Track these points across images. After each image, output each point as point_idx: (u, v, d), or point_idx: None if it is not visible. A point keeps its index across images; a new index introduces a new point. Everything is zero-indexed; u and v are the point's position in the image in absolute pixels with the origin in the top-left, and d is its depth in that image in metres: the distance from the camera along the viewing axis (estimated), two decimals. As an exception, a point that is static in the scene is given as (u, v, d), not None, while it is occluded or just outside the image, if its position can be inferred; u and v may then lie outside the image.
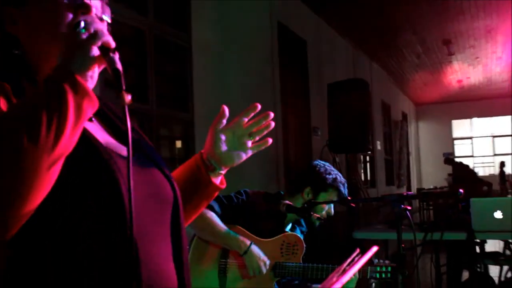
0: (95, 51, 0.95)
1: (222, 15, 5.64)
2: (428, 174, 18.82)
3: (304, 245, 2.81)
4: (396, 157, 14.49)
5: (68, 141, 0.89)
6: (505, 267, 4.92)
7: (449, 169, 13.49)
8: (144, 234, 1.04)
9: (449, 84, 15.16)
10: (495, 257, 4.73)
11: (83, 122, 0.93)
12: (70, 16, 1.07)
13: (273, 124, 1.31)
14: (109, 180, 1.00)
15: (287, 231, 2.86)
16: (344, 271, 1.19)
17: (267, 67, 6.70)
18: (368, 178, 11.48)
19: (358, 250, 1.27)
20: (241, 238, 2.62)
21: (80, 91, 0.91)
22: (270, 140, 1.33)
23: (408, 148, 16.47)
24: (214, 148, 1.31)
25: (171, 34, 4.84)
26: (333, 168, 3.00)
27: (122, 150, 1.14)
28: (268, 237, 2.76)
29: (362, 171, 10.76)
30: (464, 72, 13.61)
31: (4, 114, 0.92)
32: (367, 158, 11.35)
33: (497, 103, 17.45)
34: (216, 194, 1.39)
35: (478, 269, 4.99)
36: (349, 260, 1.23)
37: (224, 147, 1.32)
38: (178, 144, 5.08)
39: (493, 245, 5.94)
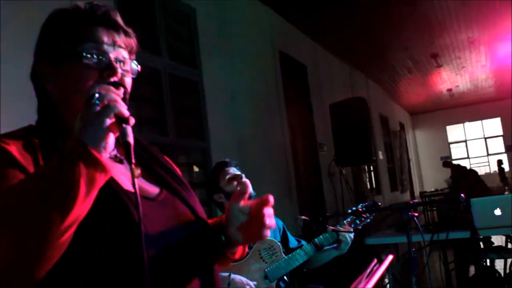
0: (108, 123, 0.92)
1: (228, 50, 5.69)
2: (428, 178, 18.72)
3: (278, 242, 2.76)
4: (397, 164, 14.44)
5: (80, 210, 0.88)
6: (509, 260, 4.87)
7: (447, 171, 13.49)
8: (166, 274, 1.03)
9: (440, 93, 15.14)
10: (498, 251, 4.68)
11: (95, 191, 0.91)
12: (94, 78, 1.09)
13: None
14: (127, 222, 0.99)
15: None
16: (366, 280, 1.20)
17: (273, 93, 6.73)
18: (374, 186, 11.44)
19: (375, 261, 1.27)
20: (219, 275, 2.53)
21: (92, 163, 0.89)
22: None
23: (408, 155, 16.40)
24: (229, 226, 1.20)
25: (184, 71, 4.89)
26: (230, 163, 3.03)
27: (151, 190, 1.15)
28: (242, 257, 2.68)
29: (367, 180, 10.73)
30: (452, 81, 13.61)
31: (22, 183, 0.91)
32: (371, 167, 11.31)
33: (485, 107, 17.43)
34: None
35: (484, 264, 4.95)
36: (368, 270, 1.23)
37: (235, 226, 1.20)
38: (196, 169, 5.10)
39: (496, 240, 5.88)
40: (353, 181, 7.41)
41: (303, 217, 2.72)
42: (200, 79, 5.05)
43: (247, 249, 1.31)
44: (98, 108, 0.93)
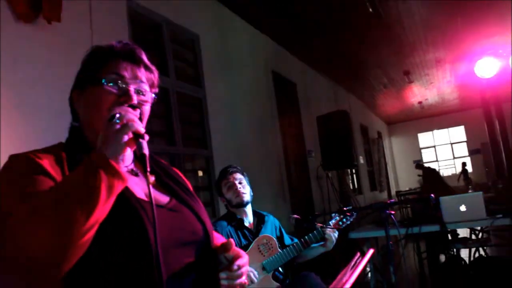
0: (126, 139, 0.95)
1: (228, 71, 5.71)
2: (403, 179, 18.70)
3: (274, 238, 2.78)
4: (376, 168, 14.43)
5: (100, 213, 0.89)
6: (473, 249, 4.87)
7: (419, 172, 13.53)
8: (171, 270, 1.01)
9: (412, 105, 15.18)
10: (464, 242, 4.68)
11: (114, 196, 0.93)
12: (111, 102, 1.11)
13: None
14: (139, 226, 0.98)
15: (259, 235, 2.80)
16: (351, 272, 1.19)
17: (267, 107, 6.74)
18: (356, 186, 11.42)
19: (358, 254, 1.27)
20: None
21: (112, 174, 0.91)
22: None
23: (385, 159, 16.41)
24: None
25: (190, 89, 4.90)
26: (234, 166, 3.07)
27: (161, 198, 1.14)
28: (245, 248, 2.69)
29: (350, 182, 10.72)
30: (422, 95, 13.64)
31: (53, 188, 0.92)
32: (353, 171, 11.29)
33: (451, 116, 17.48)
34: None
35: (452, 253, 4.94)
36: (352, 263, 1.23)
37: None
38: (200, 173, 5.08)
39: (461, 233, 5.88)
40: (338, 183, 7.40)
41: (295, 216, 2.72)
42: (203, 96, 5.05)
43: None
44: (118, 126, 0.96)
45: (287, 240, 2.96)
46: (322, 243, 2.82)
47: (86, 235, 0.87)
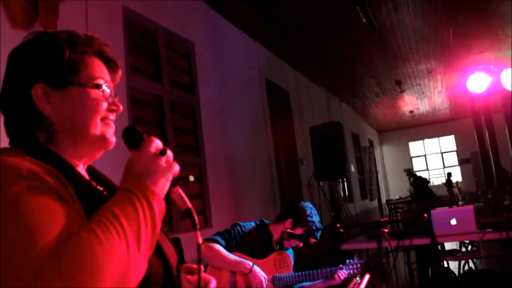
0: (171, 179, 0.89)
1: (221, 78, 5.72)
2: (393, 187, 18.80)
3: (292, 259, 2.90)
4: (367, 176, 14.51)
5: (150, 250, 0.82)
6: (463, 262, 4.91)
7: (409, 181, 13.64)
8: None
9: (403, 114, 15.31)
10: (454, 254, 4.72)
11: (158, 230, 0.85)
12: (105, 105, 1.00)
13: None
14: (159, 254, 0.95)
15: (277, 250, 2.92)
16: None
17: (260, 114, 6.76)
18: (347, 195, 11.46)
19: (354, 281, 1.29)
20: (244, 262, 2.69)
21: (162, 211, 0.84)
22: None
23: (376, 168, 16.50)
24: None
25: (183, 97, 4.90)
26: (315, 213, 3.01)
27: None
28: (260, 257, 2.82)
29: (341, 190, 10.77)
30: (414, 104, 13.76)
31: (101, 220, 0.76)
32: (344, 179, 11.34)
33: (442, 126, 17.64)
34: None
35: (441, 265, 4.98)
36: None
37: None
38: (192, 178, 5.04)
39: (452, 245, 5.93)
40: (329, 192, 7.44)
41: (289, 230, 2.77)
42: (197, 104, 5.06)
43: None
44: (165, 164, 0.89)
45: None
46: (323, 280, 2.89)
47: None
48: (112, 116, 1.03)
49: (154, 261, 0.91)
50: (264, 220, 3.05)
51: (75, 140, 0.97)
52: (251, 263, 2.68)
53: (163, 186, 0.87)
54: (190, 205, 0.91)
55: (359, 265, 2.91)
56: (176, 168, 0.90)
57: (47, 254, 0.70)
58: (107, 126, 1.02)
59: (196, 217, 0.91)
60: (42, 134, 0.96)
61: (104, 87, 1.01)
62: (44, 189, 0.79)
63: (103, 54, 1.06)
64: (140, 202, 0.80)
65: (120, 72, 1.11)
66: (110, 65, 1.07)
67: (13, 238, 0.71)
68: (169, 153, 0.91)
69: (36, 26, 2.98)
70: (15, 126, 0.99)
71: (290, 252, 3.01)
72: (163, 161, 0.89)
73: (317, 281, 2.87)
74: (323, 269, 2.83)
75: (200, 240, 0.91)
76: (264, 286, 2.66)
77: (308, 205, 2.99)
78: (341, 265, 2.88)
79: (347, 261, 2.95)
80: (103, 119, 1.01)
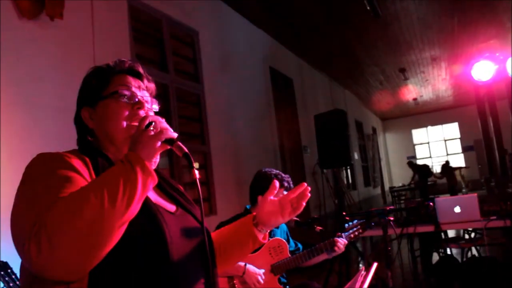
0: (159, 144, 1.05)
1: (226, 66, 5.72)
2: (396, 175, 18.79)
3: (286, 243, 2.80)
4: (370, 163, 14.51)
5: (135, 207, 0.97)
6: (465, 249, 4.93)
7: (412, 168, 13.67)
8: (181, 268, 1.10)
9: (406, 102, 15.25)
10: (457, 242, 4.74)
11: (147, 193, 1.01)
12: (127, 112, 1.20)
13: (309, 195, 1.32)
14: (156, 227, 1.07)
15: (270, 239, 2.79)
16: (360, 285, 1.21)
17: (264, 102, 6.76)
18: (350, 182, 11.48)
19: (363, 268, 1.30)
20: (236, 265, 2.55)
21: (146, 172, 1.00)
22: (304, 204, 1.33)
23: (379, 155, 16.50)
24: (268, 216, 1.34)
25: (188, 85, 4.91)
26: (272, 170, 2.95)
27: (169, 206, 1.23)
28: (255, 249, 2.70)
29: (344, 177, 10.79)
30: (417, 92, 13.70)
31: (91, 183, 0.98)
32: (348, 167, 11.36)
33: (445, 113, 17.57)
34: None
35: (444, 252, 5.01)
36: (360, 278, 1.25)
37: (273, 216, 1.34)
38: (196, 165, 5.06)
39: (455, 233, 5.96)
40: (332, 179, 7.46)
41: (295, 218, 2.73)
42: (202, 92, 5.06)
43: (267, 238, 1.38)
44: (152, 132, 1.05)
45: (292, 245, 2.98)
46: (327, 251, 2.82)
47: (122, 227, 0.94)
48: (142, 112, 1.21)
49: (147, 226, 1.06)
50: (247, 207, 2.95)
51: (112, 143, 1.20)
52: (242, 264, 2.59)
53: (150, 151, 1.04)
54: (186, 150, 1.08)
55: (359, 227, 2.88)
56: (171, 133, 1.07)
57: (55, 197, 0.94)
58: (133, 128, 1.16)
59: (192, 158, 1.09)
60: (94, 139, 1.25)
61: (122, 91, 1.21)
62: (71, 166, 1.05)
63: (133, 69, 1.28)
64: (124, 165, 0.98)
65: (153, 85, 1.31)
66: (139, 76, 1.28)
67: (45, 186, 0.98)
68: (161, 125, 1.07)
69: (43, 16, 2.99)
70: (78, 135, 1.28)
71: (282, 228, 2.93)
72: (150, 132, 1.05)
73: (320, 256, 2.80)
74: (321, 243, 2.75)
75: (197, 176, 1.07)
76: (262, 282, 2.59)
77: (260, 171, 2.94)
78: (338, 233, 2.81)
79: (346, 225, 2.89)
80: (130, 118, 1.19)
